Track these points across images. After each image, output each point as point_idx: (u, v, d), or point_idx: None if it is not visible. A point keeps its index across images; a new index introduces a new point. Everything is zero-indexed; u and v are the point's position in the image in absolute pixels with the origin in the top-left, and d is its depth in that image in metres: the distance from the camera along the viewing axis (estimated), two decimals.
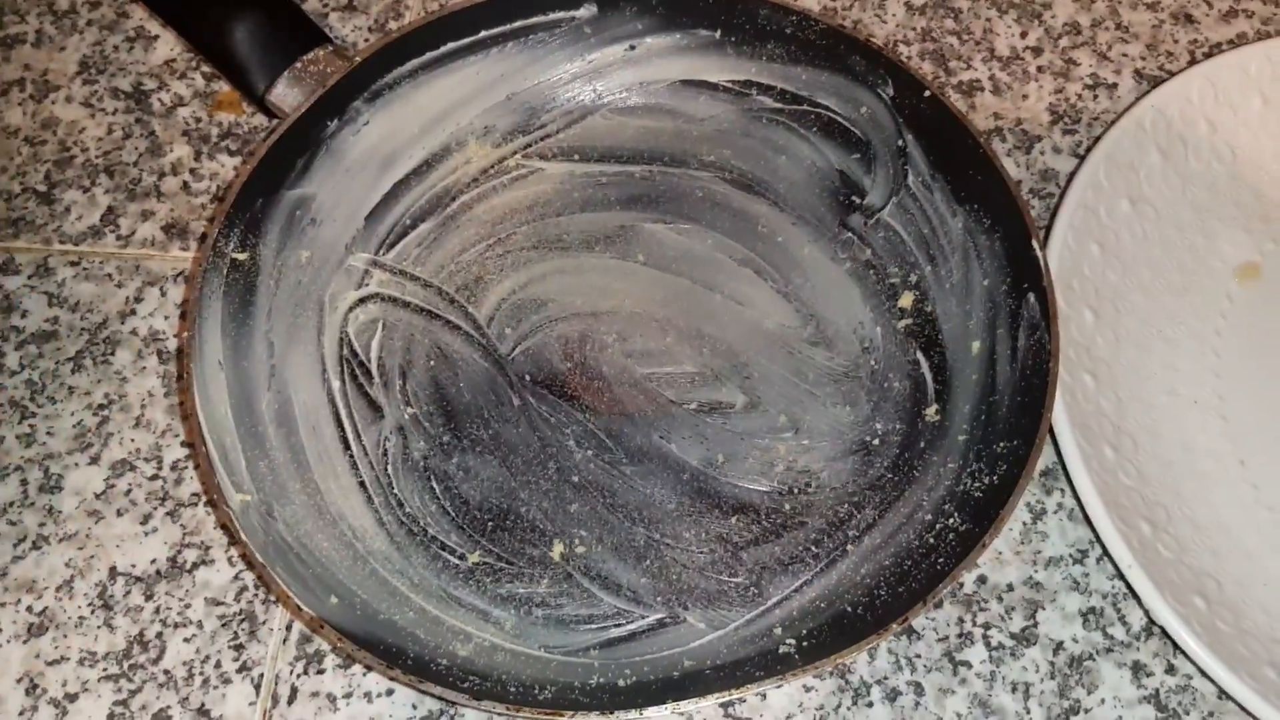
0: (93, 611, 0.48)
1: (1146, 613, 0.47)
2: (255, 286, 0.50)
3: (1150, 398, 0.51)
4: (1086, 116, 0.60)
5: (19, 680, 0.46)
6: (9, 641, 0.47)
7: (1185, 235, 0.54)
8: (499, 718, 0.45)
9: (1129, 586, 0.46)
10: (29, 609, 0.48)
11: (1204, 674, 0.44)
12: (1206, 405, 0.51)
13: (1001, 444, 0.46)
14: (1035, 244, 0.48)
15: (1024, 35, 0.62)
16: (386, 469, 0.49)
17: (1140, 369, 0.51)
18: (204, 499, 0.50)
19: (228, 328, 0.48)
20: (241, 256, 0.49)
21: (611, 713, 0.41)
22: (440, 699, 0.45)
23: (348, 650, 0.41)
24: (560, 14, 0.55)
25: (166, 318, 0.54)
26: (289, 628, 0.47)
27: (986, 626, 0.47)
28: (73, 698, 0.46)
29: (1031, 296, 0.48)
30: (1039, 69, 0.61)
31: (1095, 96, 0.60)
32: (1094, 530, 0.46)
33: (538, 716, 0.41)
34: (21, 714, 0.46)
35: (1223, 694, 0.46)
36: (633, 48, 0.57)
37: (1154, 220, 0.54)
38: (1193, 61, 0.61)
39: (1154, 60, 0.62)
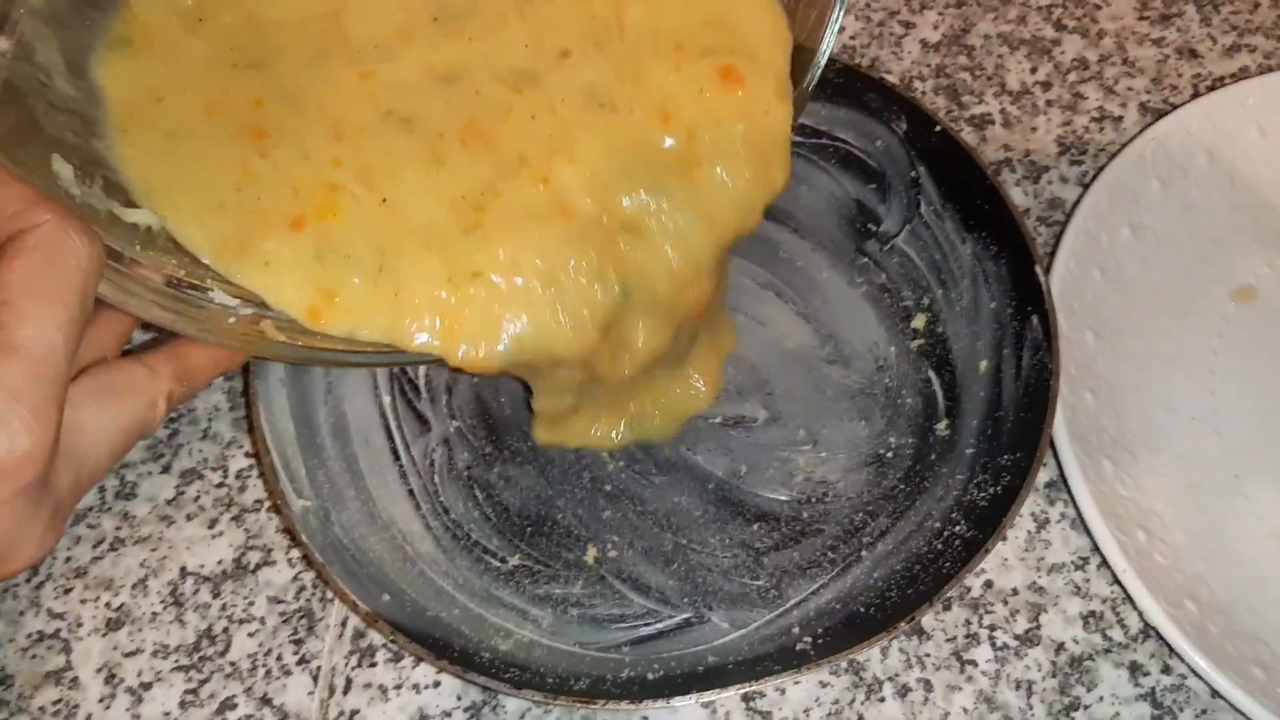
0: (165, 608, 0.52)
1: (1141, 616, 0.50)
2: None
3: (1148, 414, 0.54)
4: (1093, 148, 0.63)
5: (99, 670, 0.50)
6: (90, 635, 0.51)
7: (1184, 260, 0.58)
8: (537, 706, 0.49)
9: (1125, 591, 0.49)
10: (107, 605, 0.52)
11: (1196, 674, 0.47)
12: (1202, 421, 0.54)
13: (1006, 457, 0.50)
14: (1038, 269, 0.52)
15: (1034, 70, 0.66)
16: (433, 478, 0.53)
17: (1139, 386, 0.54)
18: (266, 505, 0.54)
19: None
20: None
21: (640, 702, 0.45)
22: (484, 689, 0.49)
23: (400, 644, 0.45)
24: None
25: None
26: (344, 624, 0.51)
27: (992, 628, 0.51)
28: (147, 686, 0.50)
29: (1035, 319, 0.51)
30: (1048, 103, 0.65)
31: (1101, 128, 0.64)
32: (1092, 538, 0.49)
33: (573, 704, 0.45)
34: (101, 701, 0.50)
35: (1214, 693, 0.48)
36: None
37: (1154, 246, 0.57)
38: (1195, 95, 0.64)
39: (1158, 94, 0.65)
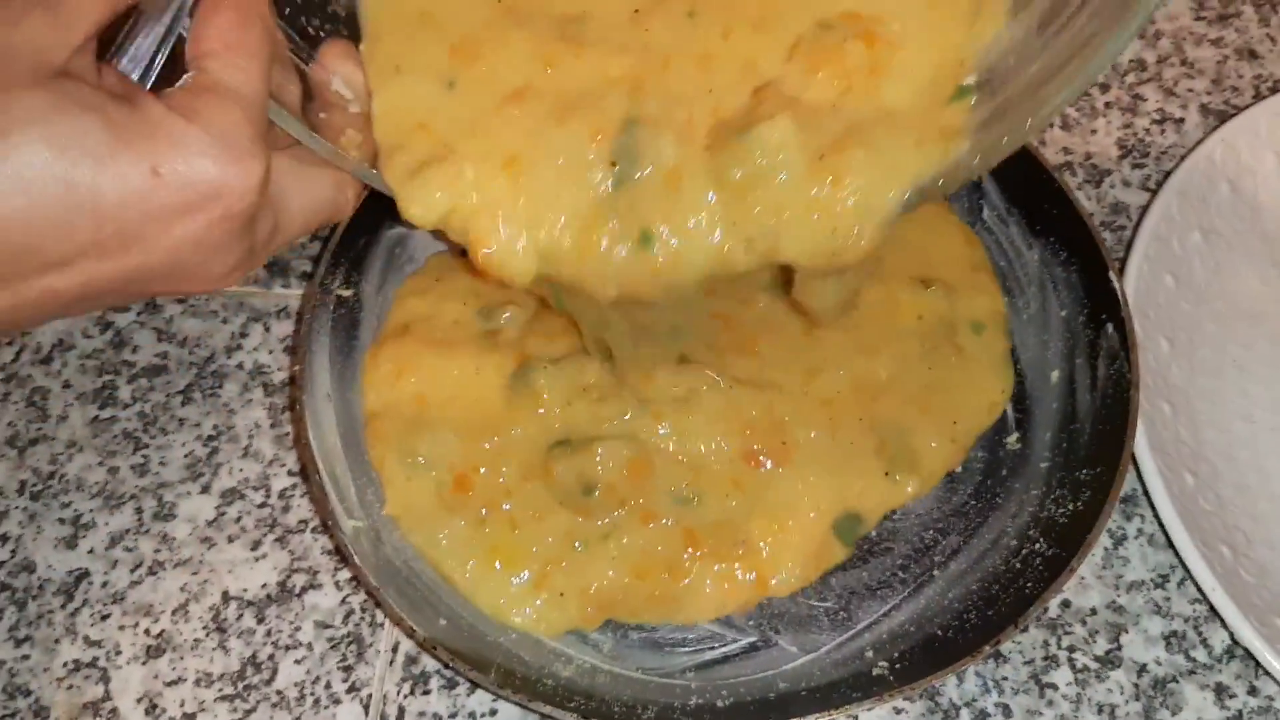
0: (207, 634, 0.50)
1: (1231, 634, 0.48)
2: (359, 322, 0.52)
3: (1226, 424, 0.52)
4: (1155, 150, 0.61)
5: (139, 700, 0.48)
6: (129, 663, 0.49)
7: (1256, 264, 0.56)
8: None
9: (1212, 609, 0.47)
10: (146, 631, 0.50)
11: None
12: None
13: (1084, 471, 0.48)
14: (1113, 275, 0.50)
15: None
16: None
17: (1215, 396, 0.52)
18: (311, 525, 0.52)
19: (335, 361, 0.51)
20: (346, 293, 0.52)
21: None
22: (547, 718, 0.47)
23: (460, 670, 0.43)
24: None
25: (270, 352, 0.56)
26: (395, 649, 0.49)
27: (1071, 649, 0.49)
28: (190, 717, 0.48)
29: (1110, 326, 0.49)
30: (1107, 105, 0.63)
31: (1163, 131, 0.62)
32: (1176, 554, 0.47)
33: None
34: None
35: None
36: None
37: (1225, 250, 0.55)
38: (1258, 96, 0.63)
39: (1219, 95, 0.63)
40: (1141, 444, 0.48)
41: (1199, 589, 0.47)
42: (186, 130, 0.33)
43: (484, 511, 0.48)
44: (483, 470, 0.49)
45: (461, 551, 0.48)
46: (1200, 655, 0.48)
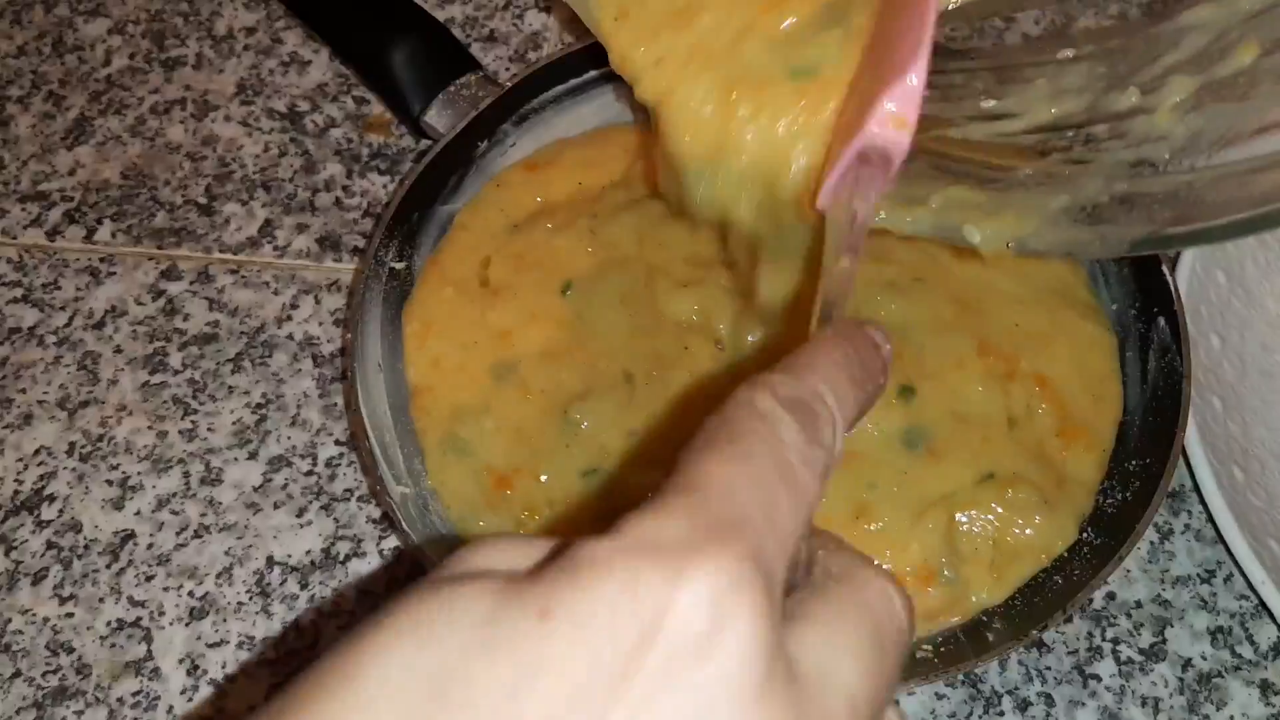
0: (251, 598, 0.50)
1: (1279, 630, 0.47)
2: (414, 295, 0.53)
3: (1277, 422, 0.51)
4: None
5: (180, 660, 0.49)
6: (171, 624, 0.49)
7: None
8: None
9: (1258, 606, 0.47)
10: (190, 594, 0.50)
11: None
12: None
13: (1134, 462, 0.48)
14: (1165, 269, 0.50)
15: None
16: None
17: (1266, 394, 0.52)
18: (356, 494, 0.52)
19: (385, 332, 0.51)
20: (399, 266, 0.52)
21: None
22: None
23: None
24: None
25: (320, 324, 0.56)
26: None
27: (1116, 641, 0.48)
28: (232, 679, 0.48)
29: (1161, 320, 0.49)
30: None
31: None
32: (1226, 548, 0.47)
33: None
34: (183, 693, 0.48)
35: None
36: None
37: (1276, 248, 0.55)
38: None
39: None
40: (1192, 437, 0.48)
41: (1248, 584, 0.46)
42: None
43: (524, 515, 0.48)
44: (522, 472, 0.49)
45: None
46: (1246, 651, 0.48)
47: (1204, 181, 0.35)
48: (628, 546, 0.21)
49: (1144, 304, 0.50)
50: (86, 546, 0.51)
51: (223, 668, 0.49)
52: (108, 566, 0.51)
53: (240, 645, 0.49)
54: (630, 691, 0.20)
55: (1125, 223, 0.36)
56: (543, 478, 0.48)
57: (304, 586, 0.50)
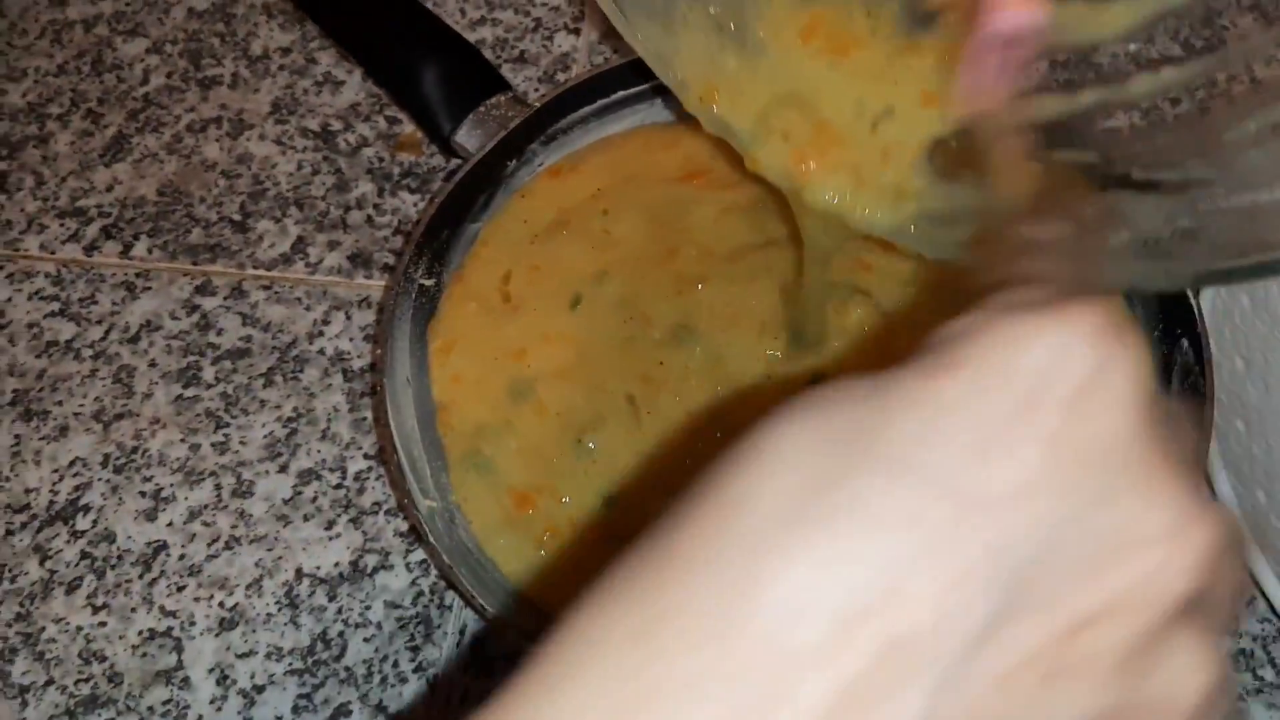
0: (280, 609, 0.51)
1: None
2: (439, 311, 0.53)
3: None
4: None
5: (210, 670, 0.49)
6: (202, 634, 0.50)
7: None
8: None
9: None
10: (220, 604, 0.51)
11: None
12: None
13: None
14: (1189, 292, 0.50)
15: None
16: None
17: None
18: (384, 508, 0.53)
19: (414, 348, 0.52)
20: (428, 283, 0.53)
21: None
22: None
23: (529, 652, 0.43)
24: None
25: (351, 340, 0.57)
26: (462, 632, 0.50)
27: None
28: (260, 689, 0.49)
29: (1185, 342, 0.49)
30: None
31: None
32: (1250, 572, 0.47)
33: None
34: (213, 702, 0.49)
35: None
36: None
37: None
38: None
39: None
40: (1216, 460, 0.48)
41: (1270, 607, 0.46)
42: None
43: (546, 536, 0.49)
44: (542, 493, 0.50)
45: (518, 560, 0.49)
46: (1268, 675, 0.48)
47: (1267, 215, 0.35)
48: (1000, 309, 0.22)
49: (1167, 326, 0.51)
50: (120, 557, 0.52)
51: (252, 677, 0.49)
52: (140, 577, 0.52)
53: (269, 655, 0.50)
54: (1041, 420, 0.21)
55: (1189, 257, 0.36)
56: (564, 499, 0.49)
57: (332, 598, 0.51)
